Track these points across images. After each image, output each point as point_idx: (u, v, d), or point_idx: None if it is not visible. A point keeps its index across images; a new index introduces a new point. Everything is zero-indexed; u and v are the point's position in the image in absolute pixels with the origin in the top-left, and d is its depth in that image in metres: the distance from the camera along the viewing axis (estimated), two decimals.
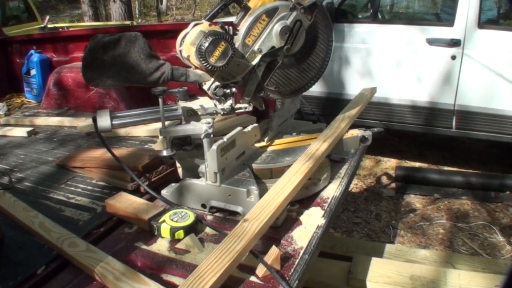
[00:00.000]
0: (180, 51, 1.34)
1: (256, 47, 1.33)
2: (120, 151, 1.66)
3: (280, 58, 1.37)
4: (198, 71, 1.33)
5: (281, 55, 1.36)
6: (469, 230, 2.76)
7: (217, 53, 1.21)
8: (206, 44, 1.20)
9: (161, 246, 1.13)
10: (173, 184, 1.35)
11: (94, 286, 0.99)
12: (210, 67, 1.23)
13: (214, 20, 1.35)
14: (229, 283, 0.96)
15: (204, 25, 1.28)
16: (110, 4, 9.83)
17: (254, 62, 1.34)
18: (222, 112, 1.38)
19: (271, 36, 1.33)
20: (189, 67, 1.36)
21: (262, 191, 1.19)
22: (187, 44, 1.26)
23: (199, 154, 1.35)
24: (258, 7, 1.31)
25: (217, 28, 1.26)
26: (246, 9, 1.32)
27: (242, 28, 1.31)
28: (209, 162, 1.22)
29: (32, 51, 2.92)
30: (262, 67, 1.35)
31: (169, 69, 1.29)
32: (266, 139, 1.49)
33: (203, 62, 1.22)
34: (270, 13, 1.31)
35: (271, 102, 2.19)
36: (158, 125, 1.32)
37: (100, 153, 1.67)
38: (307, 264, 1.04)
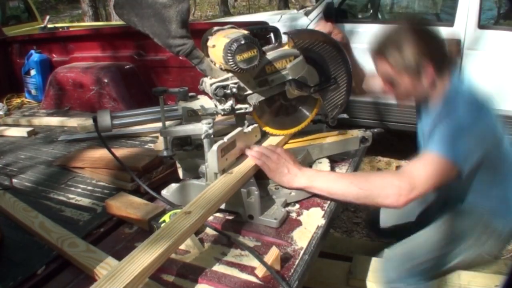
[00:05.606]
0: (207, 40, 1.36)
1: (270, 78, 1.36)
2: (120, 151, 1.66)
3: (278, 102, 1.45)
4: (211, 64, 1.33)
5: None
6: None
7: (245, 55, 1.22)
8: (242, 42, 1.21)
9: None
10: (173, 184, 1.35)
11: None
12: (231, 63, 1.23)
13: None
14: (229, 283, 0.96)
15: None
16: (110, 4, 9.84)
17: (261, 89, 1.36)
18: (222, 113, 1.38)
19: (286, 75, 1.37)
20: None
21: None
22: (220, 35, 1.28)
23: (199, 155, 1.35)
24: (291, 48, 1.38)
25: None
26: (280, 44, 1.39)
27: (269, 55, 1.34)
28: (210, 163, 1.22)
29: (32, 51, 2.92)
30: (262, 103, 1.40)
31: (191, 45, 1.29)
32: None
33: (228, 55, 1.22)
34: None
35: None
36: (158, 125, 1.32)
37: (101, 153, 1.67)
38: (307, 265, 1.04)
